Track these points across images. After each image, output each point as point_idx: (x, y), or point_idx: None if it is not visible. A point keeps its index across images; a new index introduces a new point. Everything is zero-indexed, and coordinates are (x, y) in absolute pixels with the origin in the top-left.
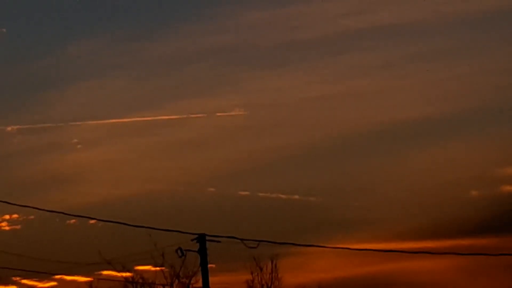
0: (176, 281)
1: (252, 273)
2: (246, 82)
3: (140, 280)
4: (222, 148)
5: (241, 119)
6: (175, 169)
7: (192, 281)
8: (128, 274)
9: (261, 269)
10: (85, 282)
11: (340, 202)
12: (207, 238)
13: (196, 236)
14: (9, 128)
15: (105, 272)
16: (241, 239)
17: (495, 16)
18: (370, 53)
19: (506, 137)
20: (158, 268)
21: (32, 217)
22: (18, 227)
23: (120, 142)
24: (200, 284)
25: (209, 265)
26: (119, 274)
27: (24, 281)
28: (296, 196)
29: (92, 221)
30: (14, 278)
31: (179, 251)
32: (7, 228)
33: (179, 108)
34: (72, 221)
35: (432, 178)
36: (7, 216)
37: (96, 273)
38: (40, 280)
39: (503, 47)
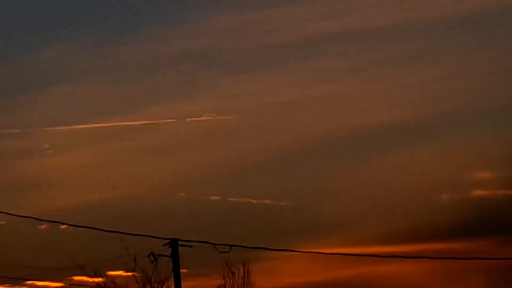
0: (148, 286)
1: (224, 278)
2: (216, 87)
3: (112, 285)
4: (193, 153)
5: (211, 124)
6: (146, 174)
7: (164, 286)
8: (100, 279)
9: (233, 274)
10: None
11: (312, 206)
12: (180, 242)
13: (169, 241)
14: None
15: (76, 278)
16: (213, 244)
17: (466, 21)
18: (340, 58)
19: (477, 141)
20: (130, 273)
21: (3, 222)
22: None
23: (91, 148)
24: None
25: (181, 270)
26: (91, 279)
27: None
28: (267, 201)
29: (64, 226)
30: None
31: (151, 256)
32: None
33: (149, 113)
34: (44, 226)
35: (404, 182)
36: None
37: (67, 278)
38: (11, 286)
39: (474, 52)
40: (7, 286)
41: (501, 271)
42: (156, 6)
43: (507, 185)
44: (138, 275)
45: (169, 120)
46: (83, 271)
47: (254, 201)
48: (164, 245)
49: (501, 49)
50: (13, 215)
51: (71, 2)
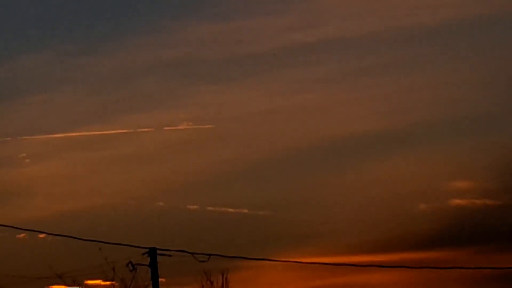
0: None
1: (203, 287)
2: (194, 96)
3: None
4: (170, 162)
5: (189, 133)
6: (124, 183)
7: None
8: None
9: (211, 283)
10: None
11: (290, 216)
12: (158, 252)
13: (147, 250)
14: None
15: (55, 287)
16: (192, 253)
17: (441, 30)
18: (318, 67)
19: (454, 151)
20: (108, 283)
21: None
22: None
23: (69, 156)
24: None
25: (160, 279)
26: None
27: None
28: (245, 210)
29: (42, 235)
30: None
31: (130, 265)
32: None
33: (127, 122)
34: (22, 235)
35: (381, 191)
36: None
37: (46, 287)
38: None
39: (450, 61)
40: None
41: (479, 280)
42: (133, 15)
43: (485, 194)
44: (116, 284)
45: (146, 129)
46: (61, 280)
47: (232, 210)
48: (143, 254)
49: (479, 59)
50: None
51: (48, 11)
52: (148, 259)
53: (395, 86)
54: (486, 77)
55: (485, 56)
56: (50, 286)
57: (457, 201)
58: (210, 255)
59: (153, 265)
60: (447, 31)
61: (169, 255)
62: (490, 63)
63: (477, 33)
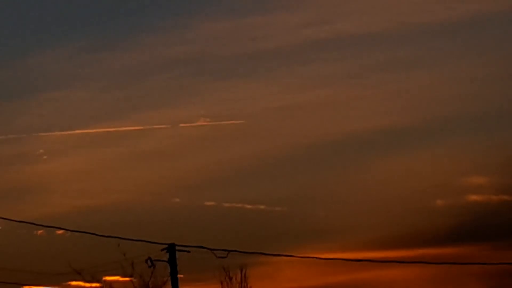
0: None
1: (221, 283)
2: (209, 93)
3: None
4: (187, 159)
5: (205, 130)
6: (140, 180)
7: None
8: (97, 284)
9: (230, 279)
10: None
11: (307, 211)
12: (177, 248)
13: (166, 246)
14: None
15: (74, 283)
16: (211, 249)
17: (456, 27)
18: (333, 63)
19: (471, 146)
20: (127, 279)
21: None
22: None
23: (86, 153)
24: None
25: (179, 275)
26: (88, 285)
27: None
28: (262, 206)
29: (60, 231)
30: None
31: (148, 261)
32: None
33: (143, 119)
34: (40, 231)
35: (398, 187)
36: None
37: (64, 283)
38: None
39: (465, 57)
40: None
41: (496, 275)
42: (148, 11)
43: (501, 190)
44: (135, 280)
45: (162, 126)
46: (80, 276)
47: (249, 206)
48: (161, 250)
49: (496, 55)
50: (9, 220)
51: (63, 8)
52: (167, 255)
53: (411, 82)
54: (503, 73)
55: (501, 52)
56: (69, 282)
57: (474, 197)
58: (229, 251)
59: (172, 261)
60: (462, 27)
61: (188, 251)
62: (507, 59)
63: (493, 29)
